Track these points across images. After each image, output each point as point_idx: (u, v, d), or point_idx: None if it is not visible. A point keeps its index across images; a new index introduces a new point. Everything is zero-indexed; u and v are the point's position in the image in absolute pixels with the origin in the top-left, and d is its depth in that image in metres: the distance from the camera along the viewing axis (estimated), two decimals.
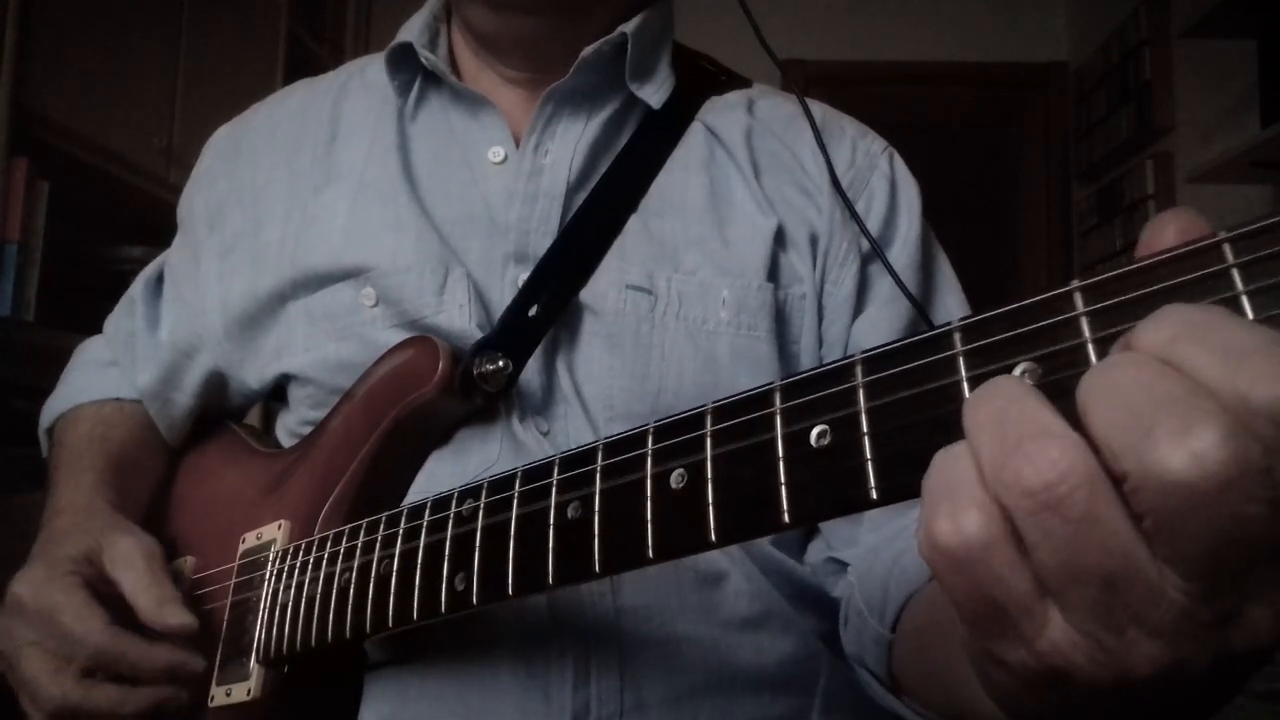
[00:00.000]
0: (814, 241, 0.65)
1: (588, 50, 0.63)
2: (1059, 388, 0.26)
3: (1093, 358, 0.26)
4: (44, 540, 0.63)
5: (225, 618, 0.60)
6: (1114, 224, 3.07)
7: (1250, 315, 0.24)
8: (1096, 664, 0.24)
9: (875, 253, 0.64)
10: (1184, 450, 0.21)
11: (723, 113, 0.69)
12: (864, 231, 0.64)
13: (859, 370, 0.32)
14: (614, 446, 0.39)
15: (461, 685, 0.55)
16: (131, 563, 0.59)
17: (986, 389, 0.26)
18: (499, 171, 0.65)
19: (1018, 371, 0.28)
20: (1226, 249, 0.25)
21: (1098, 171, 3.29)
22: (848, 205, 0.65)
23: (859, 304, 0.65)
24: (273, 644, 0.55)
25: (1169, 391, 0.22)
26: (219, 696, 0.57)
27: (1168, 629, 0.23)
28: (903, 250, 0.67)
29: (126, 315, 0.79)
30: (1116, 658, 0.24)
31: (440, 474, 0.58)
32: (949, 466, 0.26)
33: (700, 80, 0.72)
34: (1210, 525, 0.22)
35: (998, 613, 0.25)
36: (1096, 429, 0.23)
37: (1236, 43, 2.38)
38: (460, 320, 0.59)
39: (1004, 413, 0.24)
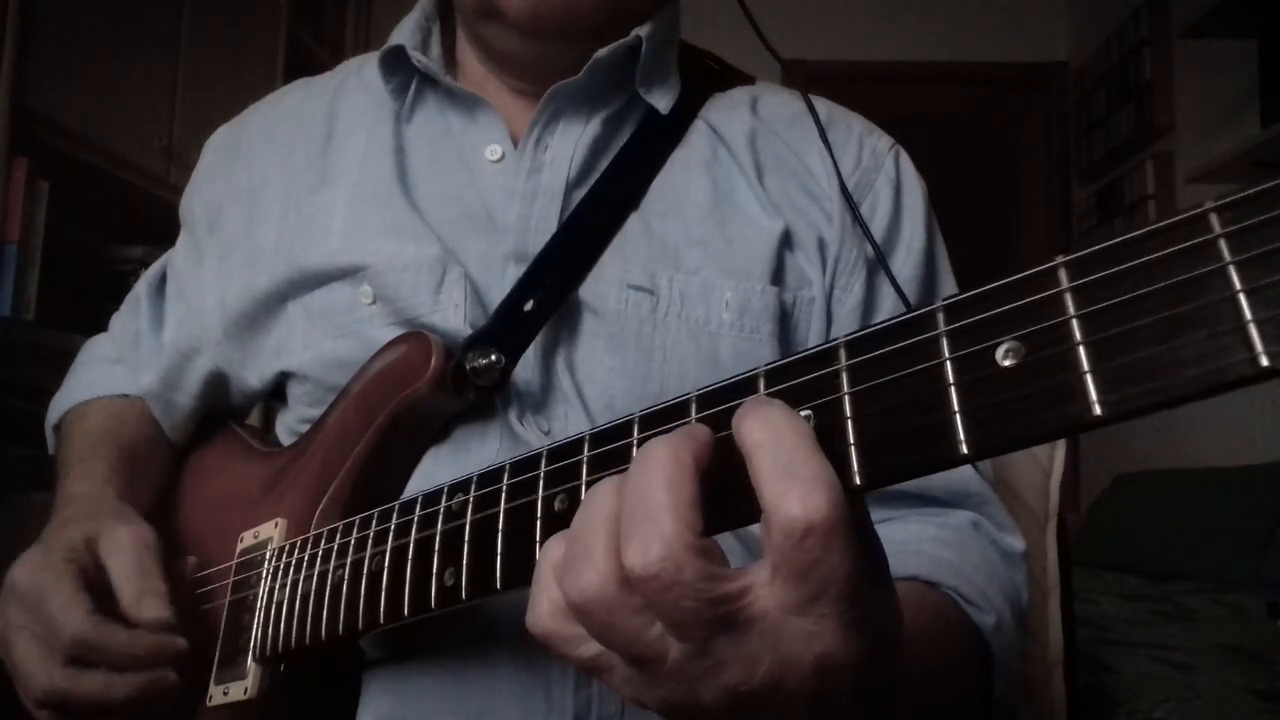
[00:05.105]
0: (823, 247, 0.65)
1: (602, 51, 0.63)
2: (1044, 365, 0.27)
3: (1077, 334, 0.26)
4: (51, 525, 0.63)
5: (223, 617, 0.60)
6: (1114, 224, 3.07)
7: (1238, 285, 0.24)
8: (647, 699, 0.35)
9: (880, 264, 0.64)
10: (638, 559, 0.31)
11: (726, 111, 0.69)
12: (871, 242, 0.64)
13: (842, 354, 0.32)
14: (600, 437, 0.38)
15: (462, 684, 0.55)
16: (123, 552, 0.59)
17: (585, 501, 0.34)
18: (497, 170, 0.65)
19: (1000, 351, 0.28)
20: (1213, 219, 0.24)
21: (1098, 171, 3.29)
22: (856, 216, 0.65)
23: (865, 312, 0.65)
24: (269, 642, 0.55)
25: (649, 508, 0.31)
26: (216, 696, 0.57)
27: (674, 677, 0.33)
28: (907, 260, 0.67)
29: (131, 315, 0.79)
30: (653, 693, 0.34)
31: (438, 472, 0.58)
32: (543, 559, 0.36)
33: (703, 78, 0.71)
34: (669, 609, 0.31)
35: (589, 670, 0.35)
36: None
37: (1236, 43, 2.39)
38: (455, 320, 0.59)
39: (578, 532, 0.33)
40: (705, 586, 0.30)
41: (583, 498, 0.38)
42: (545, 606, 0.35)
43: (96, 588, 0.58)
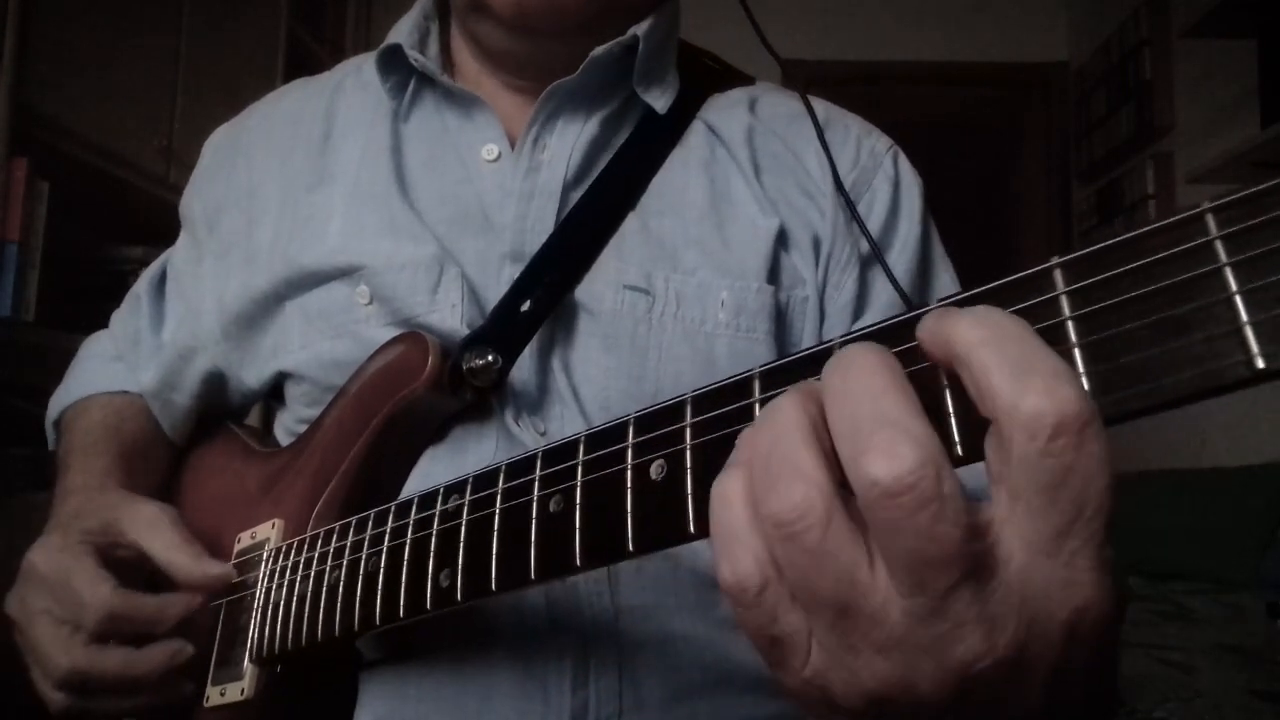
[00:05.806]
0: (816, 244, 0.65)
1: (599, 50, 0.63)
2: None
3: (1072, 336, 0.26)
4: (58, 516, 0.63)
5: (220, 617, 0.60)
6: (1114, 224, 3.07)
7: (1234, 287, 0.24)
8: (844, 684, 0.27)
9: (876, 258, 0.64)
10: (886, 472, 0.24)
11: (724, 110, 0.69)
12: (867, 236, 0.64)
13: None
14: (595, 439, 0.38)
15: (459, 686, 0.55)
16: (159, 525, 0.60)
17: (765, 417, 0.28)
18: (493, 170, 0.64)
19: None
20: (1210, 220, 0.24)
21: (1098, 171, 3.29)
22: (851, 210, 0.65)
23: (858, 309, 0.65)
24: (266, 643, 0.55)
25: (887, 412, 0.25)
26: (214, 696, 0.57)
27: (892, 648, 0.26)
28: (901, 255, 0.67)
29: (132, 313, 0.79)
30: (855, 675, 0.27)
31: (435, 472, 0.58)
32: (726, 505, 0.28)
33: (702, 77, 0.71)
34: (911, 542, 0.24)
35: (775, 644, 0.28)
36: (834, 437, 0.26)
37: (1236, 43, 2.39)
38: (452, 319, 0.59)
39: (770, 448, 0.27)
40: (963, 508, 0.24)
41: (577, 500, 0.37)
42: (749, 558, 0.27)
43: (116, 567, 0.58)
